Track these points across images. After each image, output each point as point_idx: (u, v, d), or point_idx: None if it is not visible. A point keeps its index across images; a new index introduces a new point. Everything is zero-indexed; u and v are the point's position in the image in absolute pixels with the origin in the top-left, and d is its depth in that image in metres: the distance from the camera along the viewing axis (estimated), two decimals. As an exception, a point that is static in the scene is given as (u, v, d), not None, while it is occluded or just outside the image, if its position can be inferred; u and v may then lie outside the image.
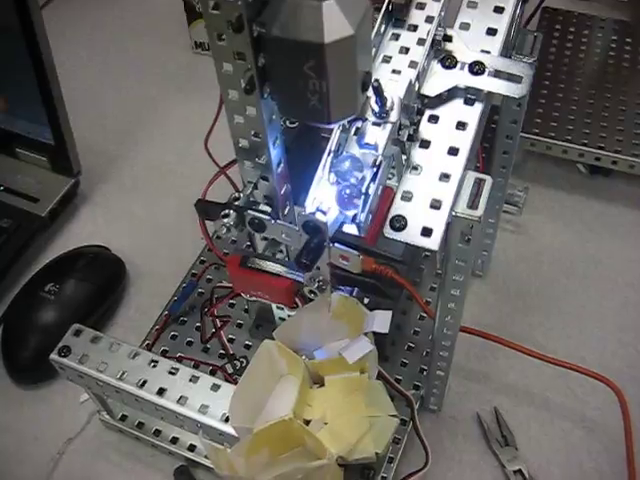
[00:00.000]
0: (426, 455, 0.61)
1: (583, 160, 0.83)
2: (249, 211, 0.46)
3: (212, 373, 0.68)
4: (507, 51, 0.56)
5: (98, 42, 1.09)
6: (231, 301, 0.74)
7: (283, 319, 0.62)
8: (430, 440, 0.61)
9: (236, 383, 0.65)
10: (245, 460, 0.49)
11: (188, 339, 0.72)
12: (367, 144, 0.45)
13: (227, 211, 0.46)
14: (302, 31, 0.34)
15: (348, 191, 0.44)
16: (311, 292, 0.49)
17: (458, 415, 0.70)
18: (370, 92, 0.44)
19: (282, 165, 0.45)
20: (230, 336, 0.72)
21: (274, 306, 0.61)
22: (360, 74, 0.38)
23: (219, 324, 0.72)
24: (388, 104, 0.44)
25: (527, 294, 0.78)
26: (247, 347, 0.71)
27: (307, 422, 0.51)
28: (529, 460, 0.67)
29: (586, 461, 0.67)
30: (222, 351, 0.71)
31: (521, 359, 0.71)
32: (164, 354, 0.71)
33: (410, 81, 0.46)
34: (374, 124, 0.46)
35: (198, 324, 0.73)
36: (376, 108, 0.44)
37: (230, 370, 0.69)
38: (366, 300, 0.65)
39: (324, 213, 0.44)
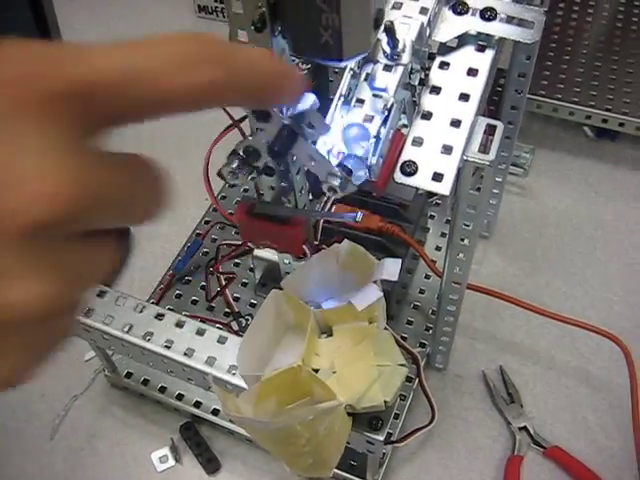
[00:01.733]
0: (432, 412, 0.60)
1: (590, 122, 0.83)
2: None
3: (218, 331, 0.68)
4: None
5: (100, 6, 1.08)
6: (236, 260, 0.74)
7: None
8: (436, 398, 0.61)
9: (242, 338, 0.65)
10: (253, 408, 0.49)
11: (193, 298, 0.72)
12: (378, 87, 0.44)
13: (233, 157, 0.45)
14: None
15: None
16: (330, 189, 0.47)
17: (464, 373, 0.70)
18: (382, 34, 0.43)
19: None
20: (235, 295, 0.72)
21: (281, 261, 0.60)
22: (373, 9, 0.37)
23: (224, 282, 0.72)
24: (400, 46, 0.44)
25: (533, 255, 0.78)
26: (252, 305, 0.71)
27: (315, 371, 0.51)
28: (534, 417, 0.67)
29: (591, 418, 0.67)
30: (227, 310, 0.71)
31: (527, 318, 0.71)
32: (169, 312, 0.70)
33: (422, 24, 0.46)
34: (385, 68, 0.46)
35: (203, 283, 0.73)
36: (387, 50, 0.44)
37: (236, 327, 0.69)
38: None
39: (336, 155, 0.43)
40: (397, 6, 0.50)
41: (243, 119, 0.55)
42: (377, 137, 0.45)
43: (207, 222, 0.78)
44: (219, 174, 0.45)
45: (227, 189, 0.80)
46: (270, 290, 0.58)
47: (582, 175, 0.84)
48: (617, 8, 0.92)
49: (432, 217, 0.77)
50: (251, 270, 0.73)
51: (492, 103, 0.66)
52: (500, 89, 0.75)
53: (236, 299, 0.72)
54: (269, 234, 0.50)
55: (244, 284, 0.73)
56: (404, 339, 0.68)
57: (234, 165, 0.45)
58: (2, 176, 0.20)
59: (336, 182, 0.41)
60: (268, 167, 0.46)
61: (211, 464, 0.65)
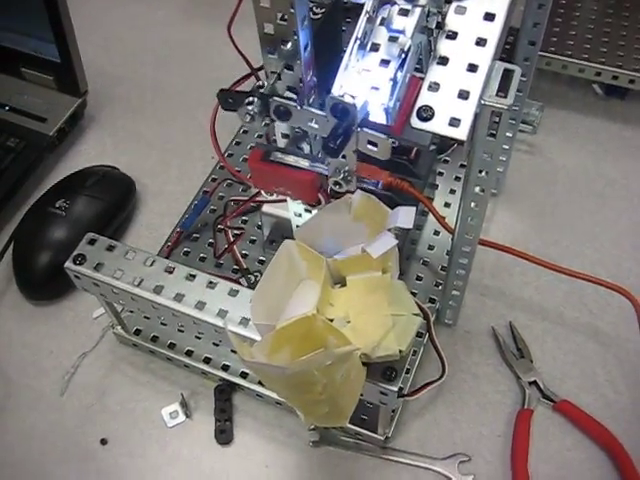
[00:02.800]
0: (442, 366, 0.60)
1: (600, 79, 0.82)
2: (275, 98, 0.45)
3: (226, 287, 0.68)
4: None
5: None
6: (244, 217, 0.74)
7: (301, 227, 0.61)
8: (446, 353, 0.61)
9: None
10: (267, 358, 0.48)
11: (201, 255, 0.72)
12: (396, 29, 0.44)
13: (251, 98, 0.45)
14: None
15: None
16: (336, 183, 0.48)
17: (473, 329, 0.70)
18: (399, -26, 0.43)
19: (309, 49, 0.44)
20: (243, 252, 0.72)
21: (292, 214, 0.60)
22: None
23: (232, 238, 0.71)
24: (418, -17, 0.43)
25: (542, 213, 0.77)
26: (261, 262, 0.71)
27: (330, 321, 0.51)
28: (544, 372, 0.67)
29: (600, 373, 0.67)
30: (236, 267, 0.71)
31: (536, 275, 0.71)
32: (177, 270, 0.70)
33: (439, -35, 0.45)
34: (401, 12, 0.45)
35: (211, 240, 0.73)
36: (405, -11, 0.43)
37: (245, 284, 0.68)
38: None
39: (352, 98, 0.43)
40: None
41: (260, 69, 0.55)
42: (394, 81, 0.44)
43: (214, 180, 0.77)
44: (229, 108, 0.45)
45: (234, 146, 0.80)
46: (279, 246, 0.57)
47: (591, 133, 0.84)
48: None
49: (440, 174, 0.77)
50: (259, 227, 0.72)
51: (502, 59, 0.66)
52: (508, 46, 0.74)
53: (244, 256, 0.71)
54: (283, 180, 0.50)
55: (252, 241, 0.72)
56: (414, 295, 0.67)
57: (256, 109, 0.44)
58: None
59: (339, 176, 0.41)
60: (285, 111, 0.45)
61: (223, 435, 0.65)
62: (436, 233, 0.73)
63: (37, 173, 0.81)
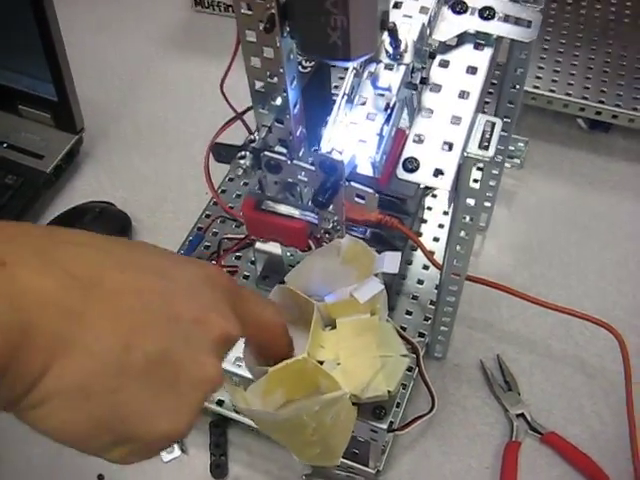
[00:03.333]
0: (432, 400, 0.62)
1: (583, 114, 0.84)
2: (266, 152, 0.46)
3: (221, 323, 0.69)
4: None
5: (95, 4, 1.09)
6: (237, 253, 0.75)
7: (293, 266, 0.63)
8: (435, 386, 0.62)
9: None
10: (261, 400, 0.50)
11: (196, 291, 0.73)
12: (381, 86, 0.46)
13: (244, 153, 0.47)
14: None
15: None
16: (325, 232, 0.50)
17: (462, 362, 0.71)
18: (384, 34, 0.45)
19: (298, 106, 0.46)
20: (237, 287, 0.73)
21: (284, 253, 0.62)
22: (379, 11, 0.39)
23: (227, 275, 0.73)
24: (402, 46, 0.45)
25: (529, 246, 0.79)
26: (254, 298, 0.72)
27: (320, 363, 0.52)
28: (531, 404, 0.68)
29: (587, 405, 0.69)
30: (230, 302, 0.72)
31: (523, 308, 0.73)
32: (172, 306, 0.71)
33: (423, 24, 0.47)
34: (387, 67, 0.47)
35: (205, 276, 0.74)
36: (390, 50, 0.45)
37: (238, 320, 0.70)
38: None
39: (340, 153, 0.45)
40: (398, 5, 0.51)
41: (245, 112, 0.57)
42: (380, 135, 0.46)
43: (208, 216, 0.79)
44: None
45: (227, 183, 0.81)
46: (272, 282, 0.59)
47: (576, 166, 0.86)
48: (610, 1, 0.93)
49: (429, 209, 0.79)
50: (252, 263, 0.74)
51: (488, 96, 0.68)
52: (495, 82, 0.76)
53: (238, 292, 0.73)
54: (275, 228, 0.52)
55: (246, 277, 0.74)
56: (404, 329, 0.69)
57: (247, 163, 0.46)
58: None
59: (329, 225, 0.43)
60: (276, 165, 0.47)
61: (218, 469, 0.66)
62: (425, 267, 0.74)
63: (34, 210, 0.82)
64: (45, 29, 0.77)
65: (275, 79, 0.44)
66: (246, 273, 0.74)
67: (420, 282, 0.74)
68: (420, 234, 0.77)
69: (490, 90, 0.75)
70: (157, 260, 0.38)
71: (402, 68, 0.45)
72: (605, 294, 0.76)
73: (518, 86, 0.63)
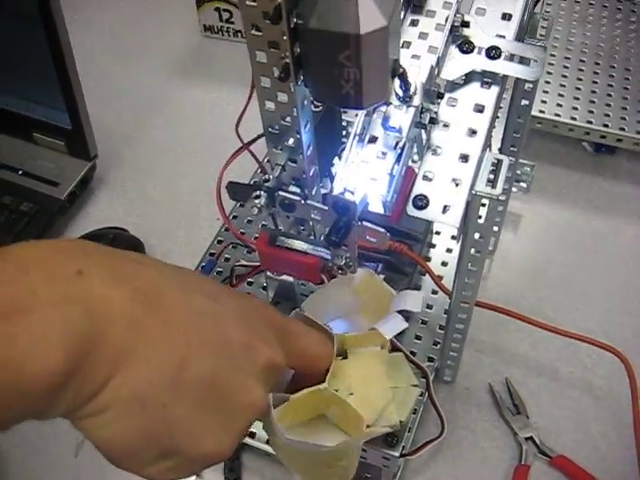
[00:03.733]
0: (442, 424, 0.63)
1: (588, 138, 0.85)
2: (280, 192, 0.48)
3: (234, 349, 0.71)
4: (520, 35, 0.58)
5: (109, 26, 1.11)
6: (249, 279, 0.77)
7: (305, 295, 0.64)
8: (445, 410, 0.63)
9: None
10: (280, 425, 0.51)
11: (209, 317, 0.75)
12: (392, 127, 0.47)
13: (259, 192, 0.48)
14: (339, 23, 0.37)
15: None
16: (339, 268, 0.52)
17: (471, 386, 0.73)
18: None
19: (312, 148, 0.47)
20: (250, 313, 0.74)
21: (296, 281, 0.63)
22: (391, 61, 0.40)
23: (239, 302, 0.74)
24: (412, 89, 0.46)
25: (536, 269, 0.81)
26: (267, 323, 0.74)
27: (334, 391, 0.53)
28: (540, 428, 0.69)
29: (594, 427, 0.70)
30: (242, 328, 0.74)
31: (531, 331, 0.74)
32: (186, 331, 0.73)
33: (432, 67, 0.48)
34: (397, 108, 0.48)
35: (218, 302, 0.75)
36: (400, 93, 0.46)
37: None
38: (381, 276, 0.68)
39: (352, 193, 0.46)
40: (406, 45, 0.52)
41: (253, 142, 0.58)
42: (391, 175, 0.48)
43: (220, 242, 0.80)
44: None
45: (238, 208, 0.83)
46: (283, 308, 0.60)
47: (582, 189, 0.87)
48: (614, 25, 0.95)
49: (438, 233, 0.80)
50: (264, 289, 0.75)
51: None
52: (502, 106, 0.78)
53: (251, 317, 0.74)
54: (289, 264, 0.53)
55: (258, 302, 0.75)
56: (413, 354, 0.70)
57: (262, 202, 0.48)
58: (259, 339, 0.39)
59: (341, 262, 0.45)
60: (290, 204, 0.48)
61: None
62: (434, 292, 0.75)
63: (49, 235, 0.84)
64: (59, 60, 0.78)
65: (289, 121, 0.46)
66: (258, 298, 0.76)
67: (429, 307, 0.75)
68: (429, 259, 0.78)
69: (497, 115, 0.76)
70: (208, 285, 0.40)
71: (412, 110, 0.47)
72: (611, 315, 0.77)
73: (523, 118, 0.65)
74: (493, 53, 0.51)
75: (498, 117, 0.72)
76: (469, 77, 0.52)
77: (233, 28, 1.03)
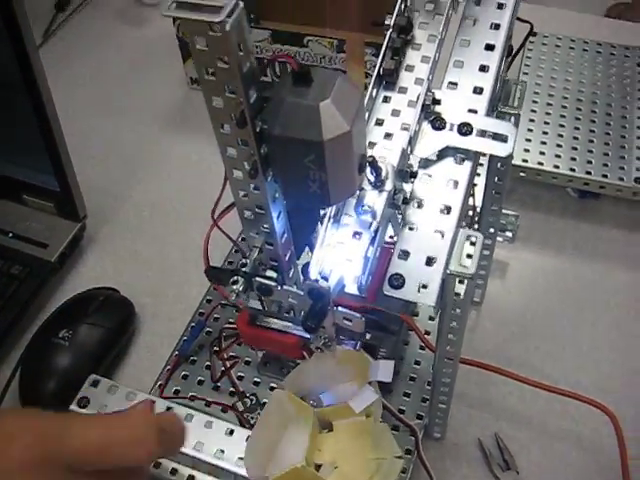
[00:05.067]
0: (432, 482, 0.64)
1: (572, 185, 0.86)
2: (257, 278, 0.49)
3: (223, 411, 0.71)
4: (493, 103, 0.59)
5: (95, 80, 1.12)
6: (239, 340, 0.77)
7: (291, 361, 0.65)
8: (435, 467, 0.64)
9: (247, 420, 0.68)
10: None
11: (199, 378, 0.75)
12: (365, 211, 0.48)
13: (236, 278, 0.49)
14: (302, 130, 0.37)
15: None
16: (317, 348, 0.52)
17: (461, 441, 0.73)
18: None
19: (286, 235, 0.48)
20: (239, 374, 0.75)
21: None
22: (357, 159, 0.41)
23: (228, 364, 0.75)
24: (383, 174, 0.47)
25: (523, 319, 0.81)
26: (256, 384, 0.74)
27: (318, 466, 0.54)
28: (530, 483, 0.70)
29: (584, 480, 0.70)
30: (232, 389, 0.74)
31: (519, 385, 0.74)
32: (176, 394, 0.73)
33: (403, 150, 0.49)
34: (370, 193, 0.49)
35: (208, 363, 0.76)
36: (372, 178, 0.47)
37: (241, 408, 0.72)
38: (368, 335, 0.68)
39: (326, 279, 0.47)
40: (379, 122, 0.53)
41: (222, 216, 0.58)
42: (365, 256, 0.48)
43: (209, 301, 0.81)
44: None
45: (226, 266, 0.84)
46: (272, 368, 0.61)
47: (567, 235, 0.88)
48: (595, 68, 0.96)
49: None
50: (253, 349, 0.76)
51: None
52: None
53: (240, 378, 0.75)
54: (270, 342, 0.54)
55: (247, 362, 0.76)
56: (402, 412, 0.71)
57: (240, 288, 0.48)
58: None
59: (320, 342, 0.45)
60: (267, 289, 0.49)
61: None
62: (422, 348, 0.76)
63: (39, 298, 0.85)
64: (45, 127, 0.79)
65: (262, 210, 0.46)
66: (248, 358, 0.76)
67: (417, 363, 0.75)
68: (416, 314, 0.78)
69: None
70: None
71: (384, 194, 0.48)
72: (599, 365, 0.77)
73: (500, 192, 0.65)
74: (465, 129, 0.52)
75: (481, 164, 0.73)
76: (442, 153, 0.53)
77: (219, 81, 1.04)
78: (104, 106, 1.08)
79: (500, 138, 0.52)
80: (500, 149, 0.52)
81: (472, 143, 0.52)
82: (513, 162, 0.71)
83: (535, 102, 0.92)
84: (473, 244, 0.49)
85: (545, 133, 0.89)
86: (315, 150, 0.38)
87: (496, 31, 0.57)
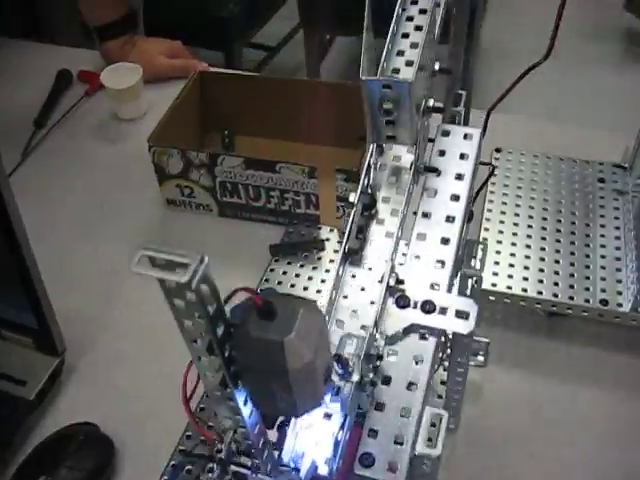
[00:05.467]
0: None
1: (540, 307, 0.89)
2: (232, 466, 0.50)
3: None
4: (457, 264, 0.61)
5: (72, 200, 1.14)
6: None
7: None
8: None
9: None
10: None
11: (180, 521, 0.76)
12: (334, 399, 0.50)
13: (211, 465, 0.50)
14: (268, 362, 0.39)
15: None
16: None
17: None
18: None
19: (258, 426, 0.49)
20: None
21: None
22: (321, 377, 0.43)
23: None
24: (350, 365, 0.49)
25: (498, 443, 0.82)
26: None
27: None
28: None
29: None
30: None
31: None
32: (158, 538, 0.74)
33: (370, 335, 0.51)
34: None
35: (189, 503, 0.77)
36: (339, 370, 0.49)
37: None
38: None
39: (298, 470, 0.48)
40: (346, 296, 0.55)
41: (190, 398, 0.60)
42: (336, 442, 0.50)
43: (188, 437, 0.82)
44: None
45: (206, 399, 0.85)
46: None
47: (538, 354, 0.90)
48: (560, 183, 0.99)
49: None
50: (232, 488, 0.76)
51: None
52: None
53: (220, 519, 0.75)
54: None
55: (227, 502, 0.77)
56: None
57: (215, 476, 0.50)
58: None
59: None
60: (243, 476, 0.50)
61: None
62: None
63: (19, 434, 0.85)
64: (22, 270, 0.81)
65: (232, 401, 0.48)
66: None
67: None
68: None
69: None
70: None
71: (351, 385, 0.49)
72: (576, 488, 0.79)
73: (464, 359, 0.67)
74: (427, 307, 0.54)
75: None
76: (408, 329, 0.55)
77: (195, 202, 1.07)
78: (81, 227, 1.10)
79: (462, 315, 0.54)
80: (462, 326, 0.54)
81: (435, 321, 0.54)
82: (482, 287, 0.73)
83: (502, 222, 0.95)
84: (433, 425, 0.51)
85: (512, 255, 0.91)
86: (281, 378, 0.40)
87: (456, 202, 0.59)
